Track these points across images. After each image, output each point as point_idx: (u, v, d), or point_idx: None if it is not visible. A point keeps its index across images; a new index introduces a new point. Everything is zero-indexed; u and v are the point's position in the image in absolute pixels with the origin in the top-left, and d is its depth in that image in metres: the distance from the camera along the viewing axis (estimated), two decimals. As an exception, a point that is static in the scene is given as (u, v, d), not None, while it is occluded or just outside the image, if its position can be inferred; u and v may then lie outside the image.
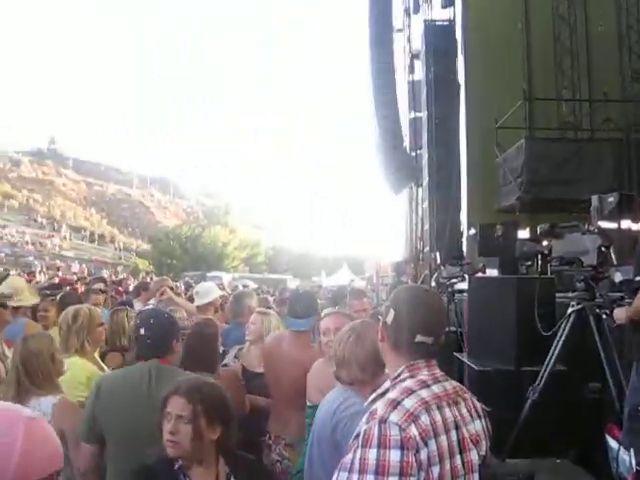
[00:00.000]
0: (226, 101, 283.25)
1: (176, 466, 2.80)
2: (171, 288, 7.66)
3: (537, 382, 4.74)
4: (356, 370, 3.18)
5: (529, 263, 6.52)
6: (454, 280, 8.03)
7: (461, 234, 14.32)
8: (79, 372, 4.33)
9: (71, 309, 4.69)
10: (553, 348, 4.81)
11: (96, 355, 4.80)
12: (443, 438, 2.11)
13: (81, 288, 11.28)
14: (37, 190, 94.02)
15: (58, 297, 6.91)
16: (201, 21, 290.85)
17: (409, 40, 20.53)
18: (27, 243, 63.06)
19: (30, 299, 6.25)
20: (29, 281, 13.27)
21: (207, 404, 2.79)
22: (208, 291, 7.00)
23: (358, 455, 2.05)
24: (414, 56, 19.11)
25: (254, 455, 4.26)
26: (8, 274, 21.10)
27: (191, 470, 2.79)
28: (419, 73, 18.02)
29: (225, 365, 5.16)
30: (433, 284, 9.87)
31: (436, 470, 2.06)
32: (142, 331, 3.54)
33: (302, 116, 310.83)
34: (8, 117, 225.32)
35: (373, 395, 2.30)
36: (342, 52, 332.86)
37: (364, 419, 2.16)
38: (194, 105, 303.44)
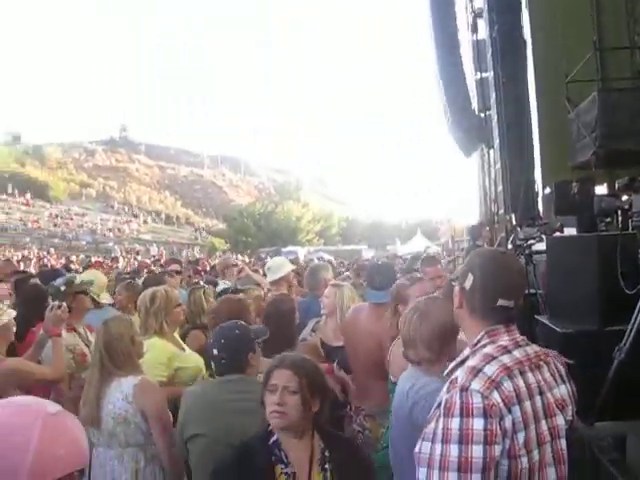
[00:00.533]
0: (226, 101, 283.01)
1: (271, 441, 2.84)
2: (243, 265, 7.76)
3: (623, 342, 4.59)
4: (422, 349, 3.14)
5: (609, 220, 6.30)
6: (531, 241, 7.86)
7: (536, 194, 13.94)
8: (159, 353, 4.45)
9: (148, 291, 4.81)
10: (639, 306, 4.66)
11: (176, 335, 4.90)
12: (527, 404, 2.07)
13: (157, 271, 11.55)
14: (112, 177, 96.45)
15: (141, 281, 7.10)
16: (201, 21, 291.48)
17: (471, -1, 20.06)
18: (109, 230, 64.70)
19: (109, 299, 6.45)
20: (110, 267, 13.65)
21: (310, 377, 2.86)
22: (280, 266, 7.03)
23: (441, 425, 2.02)
24: (477, 15, 18.64)
25: (335, 429, 4.32)
26: (90, 261, 21.74)
27: (287, 444, 2.82)
28: (483, 32, 17.60)
29: (303, 340, 5.19)
30: (510, 246, 9.69)
31: (521, 437, 2.02)
32: (215, 352, 3.53)
33: (302, 116, 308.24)
34: (80, 110, 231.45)
35: (452, 364, 2.27)
36: (342, 52, 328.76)
37: (444, 388, 2.13)
38: (194, 105, 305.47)
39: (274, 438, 2.84)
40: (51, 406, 1.67)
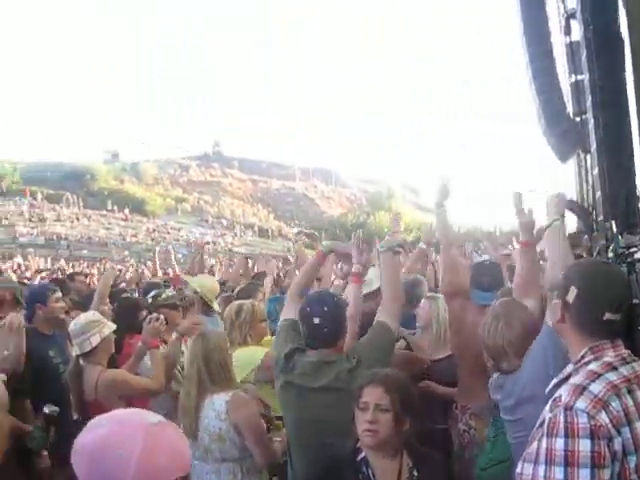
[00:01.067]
0: (226, 101, 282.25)
1: (359, 457, 2.79)
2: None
3: None
4: (514, 357, 3.03)
5: None
6: (633, 249, 7.54)
7: (637, 199, 13.42)
8: (250, 355, 4.63)
9: (235, 304, 4.90)
10: None
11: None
12: (638, 425, 1.95)
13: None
14: (206, 192, 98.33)
15: (235, 292, 7.17)
16: (201, 21, 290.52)
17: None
18: (206, 244, 65.96)
19: (219, 308, 6.57)
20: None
21: (401, 394, 2.81)
22: (373, 278, 6.92)
23: (544, 445, 1.93)
24: (569, 16, 18.13)
25: (435, 443, 4.24)
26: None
27: (375, 462, 2.77)
28: (576, 33, 17.10)
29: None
30: (610, 255, 9.33)
31: (632, 460, 1.90)
32: (316, 320, 3.46)
33: (302, 116, 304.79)
34: (174, 127, 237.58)
35: (554, 380, 2.17)
36: (342, 52, 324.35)
37: (547, 407, 2.03)
38: (194, 105, 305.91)
39: (362, 455, 2.79)
40: (152, 416, 1.75)
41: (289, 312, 3.80)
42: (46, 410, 4.14)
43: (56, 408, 4.19)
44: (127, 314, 5.70)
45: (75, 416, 4.74)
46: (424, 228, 6.80)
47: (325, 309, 3.47)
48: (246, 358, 4.56)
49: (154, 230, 70.10)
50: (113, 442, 1.61)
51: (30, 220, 59.77)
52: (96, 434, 1.65)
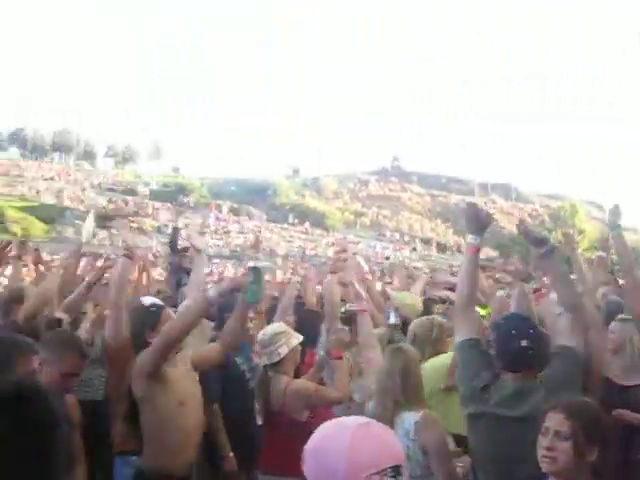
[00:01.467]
0: (226, 101, 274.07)
1: None
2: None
3: None
4: None
5: None
6: None
7: None
8: (440, 361, 4.68)
9: (425, 321, 4.91)
10: None
11: None
12: None
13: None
14: (385, 206, 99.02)
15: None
16: (201, 21, 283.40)
17: None
18: (387, 258, 66.36)
19: None
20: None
21: (586, 422, 2.68)
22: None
23: None
24: None
25: (632, 476, 4.00)
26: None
27: None
28: None
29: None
30: None
31: None
32: (524, 343, 3.34)
33: (302, 116, 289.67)
34: (352, 143, 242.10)
35: None
36: (342, 52, 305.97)
37: None
38: (194, 105, 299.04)
39: None
40: (362, 419, 1.93)
41: (467, 329, 3.60)
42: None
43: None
44: (309, 325, 5.83)
45: (259, 422, 4.90)
46: (599, 235, 6.47)
47: (531, 331, 3.37)
48: (435, 367, 4.58)
49: (333, 244, 71.37)
50: (329, 441, 1.83)
51: (216, 232, 62.78)
52: (317, 438, 1.88)
